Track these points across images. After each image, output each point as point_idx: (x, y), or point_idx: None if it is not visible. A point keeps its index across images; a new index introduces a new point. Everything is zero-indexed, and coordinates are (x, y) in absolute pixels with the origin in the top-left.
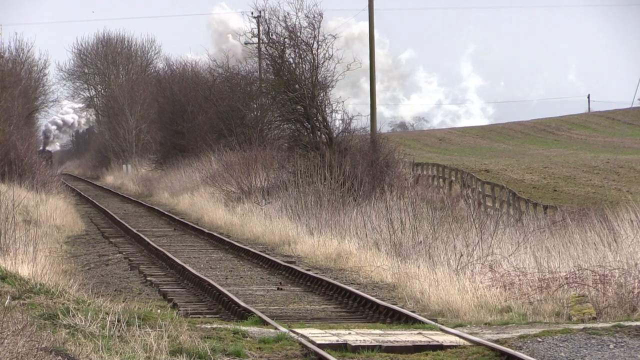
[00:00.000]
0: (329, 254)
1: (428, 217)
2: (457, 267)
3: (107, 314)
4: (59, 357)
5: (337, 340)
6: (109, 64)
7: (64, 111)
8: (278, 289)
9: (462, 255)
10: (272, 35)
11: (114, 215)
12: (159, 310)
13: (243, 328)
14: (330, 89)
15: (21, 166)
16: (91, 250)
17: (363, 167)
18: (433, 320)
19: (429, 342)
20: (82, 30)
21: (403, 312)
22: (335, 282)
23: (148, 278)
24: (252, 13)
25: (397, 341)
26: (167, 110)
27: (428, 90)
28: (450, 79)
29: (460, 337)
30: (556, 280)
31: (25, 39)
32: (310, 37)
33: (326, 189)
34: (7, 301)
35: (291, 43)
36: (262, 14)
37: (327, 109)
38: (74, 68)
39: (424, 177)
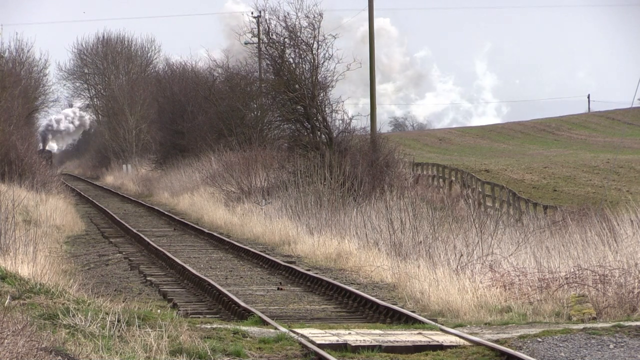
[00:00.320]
0: (329, 254)
1: (428, 217)
2: (457, 267)
3: (107, 314)
4: (59, 357)
5: (337, 340)
6: (109, 64)
7: (65, 113)
8: (278, 289)
9: (462, 255)
10: (272, 35)
11: (114, 215)
12: (159, 310)
13: (243, 328)
14: (330, 89)
15: (21, 166)
16: (91, 250)
17: (363, 167)
18: (433, 320)
19: (429, 342)
20: (82, 30)
21: (403, 312)
22: (335, 282)
23: (148, 278)
24: (252, 13)
25: (397, 341)
26: (167, 110)
27: (443, 89)
28: (465, 78)
29: (460, 337)
30: (556, 280)
31: (25, 39)
32: (310, 37)
33: (326, 189)
34: (7, 301)
35: (291, 43)
36: (262, 14)
37: (327, 109)
38: (74, 68)
39: (424, 177)
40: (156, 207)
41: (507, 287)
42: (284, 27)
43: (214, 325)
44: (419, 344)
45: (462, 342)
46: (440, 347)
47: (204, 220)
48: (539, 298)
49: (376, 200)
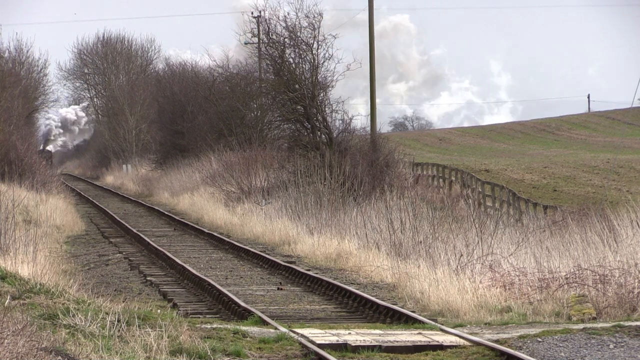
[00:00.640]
0: (329, 254)
1: (428, 217)
2: (457, 267)
3: (107, 314)
4: (59, 357)
5: (337, 340)
6: (109, 64)
7: (65, 111)
8: (278, 289)
9: (462, 255)
10: (272, 35)
11: (114, 215)
12: (159, 310)
13: (243, 328)
14: (330, 89)
15: (21, 166)
16: (91, 250)
17: (363, 167)
18: (433, 320)
19: (429, 342)
20: (82, 30)
21: (403, 312)
22: (335, 282)
23: (148, 278)
24: (252, 13)
25: (397, 341)
26: (167, 110)
27: (457, 88)
28: (480, 77)
29: (460, 337)
30: (556, 280)
31: (25, 38)
32: (310, 37)
33: (326, 189)
34: (7, 301)
35: (291, 43)
36: (262, 13)
37: (327, 109)
38: (74, 68)
39: (424, 177)
40: (156, 207)
41: (507, 287)
42: (284, 27)
43: (214, 325)
44: (419, 344)
45: (462, 342)
46: (440, 347)
47: (204, 220)
48: (539, 298)
49: (376, 200)
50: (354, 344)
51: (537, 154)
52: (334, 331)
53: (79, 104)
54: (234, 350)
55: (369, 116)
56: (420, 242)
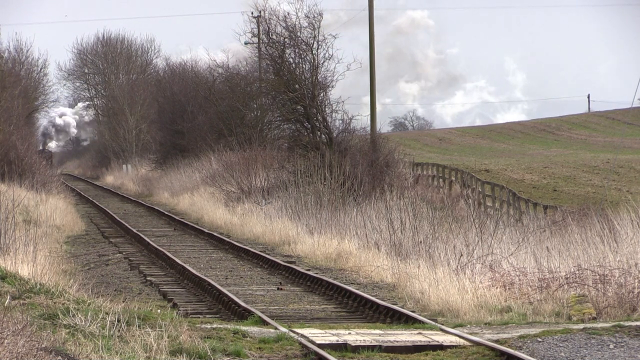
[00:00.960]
0: (329, 254)
1: (428, 217)
2: (457, 267)
3: (107, 314)
4: (59, 357)
5: (337, 340)
6: (109, 64)
7: (62, 112)
8: (278, 289)
9: (462, 255)
10: (272, 35)
11: (114, 215)
12: (159, 310)
13: (243, 328)
14: (330, 89)
15: (21, 166)
16: (91, 250)
17: (363, 167)
18: (433, 320)
19: (429, 342)
20: (82, 30)
21: (403, 312)
22: (335, 282)
23: (148, 278)
24: (252, 13)
25: (397, 341)
26: (167, 110)
27: (473, 88)
28: (495, 77)
29: (460, 337)
30: (556, 280)
31: (24, 38)
32: (310, 37)
33: (326, 189)
34: (7, 301)
35: (291, 43)
36: (262, 13)
37: (327, 109)
38: (74, 68)
39: (424, 177)
40: (156, 207)
41: (507, 287)
42: (284, 27)
43: (214, 325)
44: (419, 344)
45: (462, 342)
46: (440, 347)
47: (204, 220)
48: (539, 298)
49: (376, 200)
50: (354, 344)
51: (537, 154)
52: (334, 331)
53: (76, 105)
54: (234, 350)
55: (369, 116)
56: (420, 242)
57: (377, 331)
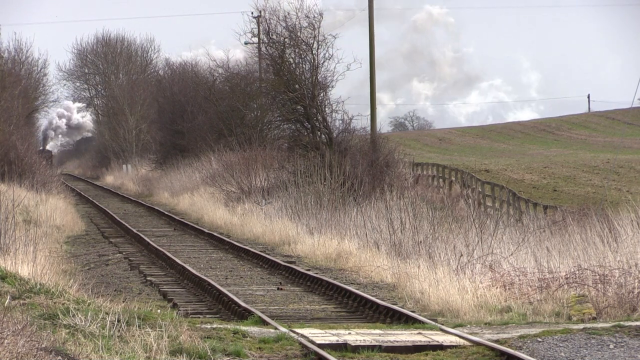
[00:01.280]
0: (329, 254)
1: (428, 217)
2: (457, 267)
3: (107, 314)
4: (59, 357)
5: (337, 340)
6: (108, 64)
7: (60, 113)
8: (278, 289)
9: (462, 255)
10: (272, 35)
11: (114, 215)
12: (159, 310)
13: (243, 328)
14: (330, 89)
15: (21, 166)
16: (91, 250)
17: (363, 167)
18: (433, 320)
19: (429, 342)
20: (82, 30)
21: (403, 312)
22: (335, 282)
23: (148, 278)
24: (252, 13)
25: (397, 341)
26: (167, 110)
27: (488, 87)
28: (510, 77)
29: (460, 337)
30: (556, 280)
31: (24, 38)
32: (310, 37)
33: (326, 189)
34: (7, 301)
35: (291, 43)
36: (262, 13)
37: (327, 109)
38: (73, 68)
39: (424, 177)
40: (156, 207)
41: (507, 287)
42: (284, 27)
43: (214, 325)
44: (419, 344)
45: (462, 342)
46: (440, 347)
47: (204, 220)
48: (539, 298)
49: (376, 200)
50: (354, 344)
51: (537, 154)
52: (334, 331)
53: (74, 103)
54: (234, 350)
55: (369, 116)
56: (420, 242)
57: (377, 331)
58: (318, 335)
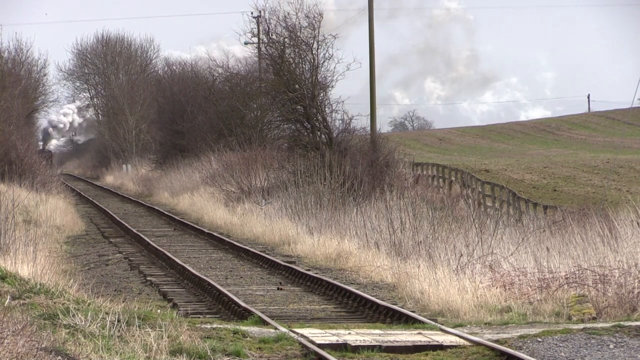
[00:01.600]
0: (329, 254)
1: (428, 217)
2: (457, 267)
3: (107, 314)
4: (59, 357)
5: (337, 340)
6: (108, 64)
7: (64, 112)
8: (278, 289)
9: (462, 255)
10: (272, 35)
11: (113, 215)
12: (159, 310)
13: (243, 328)
14: (330, 89)
15: (21, 166)
16: (91, 250)
17: (363, 167)
18: (433, 320)
19: (429, 342)
20: (82, 30)
21: (403, 312)
22: (335, 282)
23: (148, 278)
24: (252, 13)
25: (397, 341)
26: (167, 110)
27: (503, 88)
28: (526, 76)
29: (460, 337)
30: (556, 280)
31: (24, 38)
32: (310, 37)
33: (326, 189)
34: (7, 301)
35: (291, 43)
36: (262, 13)
37: (327, 109)
38: (73, 68)
39: (424, 177)
40: (156, 207)
41: (507, 287)
42: (284, 27)
43: (214, 325)
44: (419, 343)
45: (462, 342)
46: (440, 347)
47: (204, 220)
48: (539, 298)
49: (376, 200)
50: (353, 344)
51: (537, 154)
52: (334, 331)
53: (73, 102)
54: (234, 350)
55: (369, 116)
56: (420, 242)
57: (377, 331)
58: (318, 335)
